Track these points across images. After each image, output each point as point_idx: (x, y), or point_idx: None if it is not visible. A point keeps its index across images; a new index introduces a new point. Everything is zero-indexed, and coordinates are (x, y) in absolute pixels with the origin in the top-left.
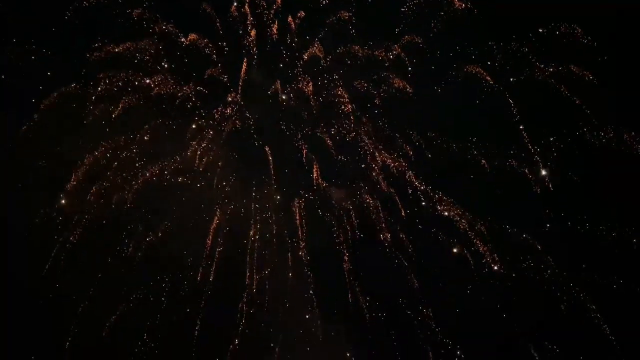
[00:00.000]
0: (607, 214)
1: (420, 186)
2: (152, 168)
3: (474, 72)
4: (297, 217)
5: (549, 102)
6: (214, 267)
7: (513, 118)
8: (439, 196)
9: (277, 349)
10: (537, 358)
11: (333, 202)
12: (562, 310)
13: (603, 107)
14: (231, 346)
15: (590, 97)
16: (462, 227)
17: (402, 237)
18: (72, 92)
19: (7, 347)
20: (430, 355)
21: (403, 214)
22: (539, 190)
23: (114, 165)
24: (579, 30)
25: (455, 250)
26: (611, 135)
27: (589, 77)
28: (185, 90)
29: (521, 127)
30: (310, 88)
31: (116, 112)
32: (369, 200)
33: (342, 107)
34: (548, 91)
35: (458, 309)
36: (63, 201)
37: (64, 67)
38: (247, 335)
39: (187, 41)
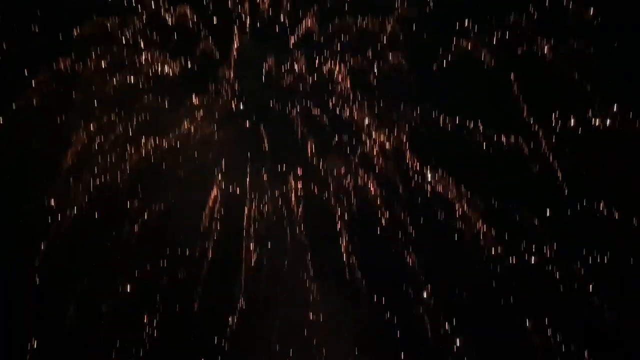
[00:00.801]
0: (609, 193)
1: (418, 163)
2: (145, 146)
3: (470, 47)
4: (293, 195)
5: (548, 78)
6: (211, 245)
7: (512, 95)
8: (438, 175)
9: (275, 330)
10: (535, 339)
11: (329, 179)
12: (563, 291)
13: (606, 85)
14: (229, 325)
15: (592, 73)
16: (460, 206)
17: (400, 214)
18: (60, 70)
19: (5, 332)
20: (429, 334)
21: (401, 191)
22: (537, 167)
23: (106, 145)
24: (582, 3)
25: (454, 229)
26: (614, 112)
27: (591, 53)
28: (176, 66)
29: (521, 105)
30: (304, 63)
31: (106, 90)
32: (366, 177)
33: (337, 83)
34: (548, 67)
35: (457, 290)
36: (55, 182)
37: (50, 44)
38: (244, 317)
39: (176, 15)
